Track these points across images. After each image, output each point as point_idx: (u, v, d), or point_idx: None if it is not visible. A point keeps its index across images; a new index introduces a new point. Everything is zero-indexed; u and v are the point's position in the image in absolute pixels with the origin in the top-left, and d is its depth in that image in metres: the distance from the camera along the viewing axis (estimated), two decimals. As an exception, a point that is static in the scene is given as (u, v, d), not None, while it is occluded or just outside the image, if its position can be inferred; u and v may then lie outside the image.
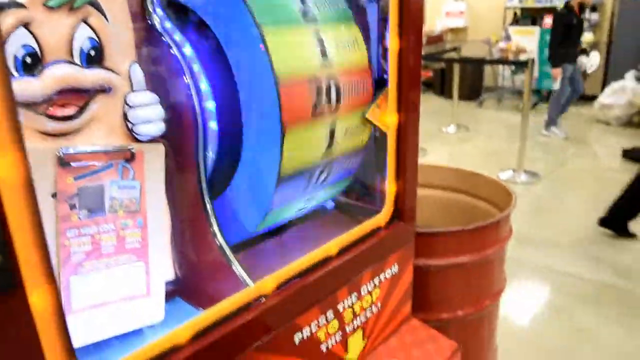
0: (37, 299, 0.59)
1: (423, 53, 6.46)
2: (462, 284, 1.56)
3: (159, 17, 0.92)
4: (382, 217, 1.13)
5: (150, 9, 0.92)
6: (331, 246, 1.01)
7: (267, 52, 0.86)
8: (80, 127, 0.83)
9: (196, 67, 0.92)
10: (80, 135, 0.84)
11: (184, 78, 0.91)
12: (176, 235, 1.01)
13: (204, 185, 0.96)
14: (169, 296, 1.02)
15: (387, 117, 1.06)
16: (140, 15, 0.90)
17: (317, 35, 0.96)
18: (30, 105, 0.76)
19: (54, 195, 0.81)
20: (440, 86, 8.56)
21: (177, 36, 0.93)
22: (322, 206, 1.30)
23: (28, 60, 0.75)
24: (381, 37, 1.07)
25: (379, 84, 1.08)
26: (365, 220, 1.16)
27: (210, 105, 0.94)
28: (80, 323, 0.86)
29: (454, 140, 6.16)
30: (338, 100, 0.99)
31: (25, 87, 0.75)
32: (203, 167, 0.96)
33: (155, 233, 0.94)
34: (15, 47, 0.73)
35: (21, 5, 0.73)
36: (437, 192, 1.95)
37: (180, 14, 0.96)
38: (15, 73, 0.74)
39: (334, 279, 1.00)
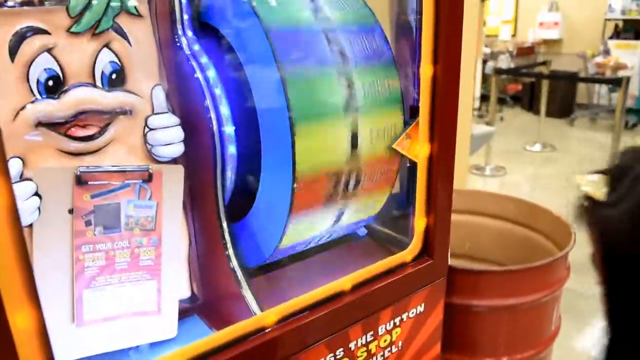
0: (20, 320, 0.61)
1: (512, 65, 6.15)
2: (509, 328, 1.44)
3: (187, 40, 0.94)
4: (407, 253, 1.06)
5: (180, 31, 0.93)
6: (345, 280, 0.96)
7: (284, 94, 0.85)
8: (100, 147, 0.86)
9: (218, 91, 0.92)
10: (101, 154, 0.86)
11: (205, 101, 0.91)
12: (193, 255, 1.02)
13: (221, 207, 0.96)
14: (186, 313, 1.03)
15: (417, 147, 0.99)
16: (169, 37, 0.92)
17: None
18: (52, 125, 0.80)
19: (71, 211, 0.85)
20: (529, 101, 8.09)
21: (204, 59, 0.94)
22: (354, 232, 1.26)
23: (50, 83, 0.78)
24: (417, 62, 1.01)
25: (411, 112, 1.02)
26: (396, 251, 1.10)
27: (230, 129, 0.93)
28: (90, 334, 0.89)
29: (538, 160, 5.78)
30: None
31: (46, 108, 0.78)
32: (221, 190, 0.96)
33: (171, 252, 0.95)
34: (38, 71, 0.77)
35: (45, 32, 0.76)
36: (493, 222, 1.82)
37: (209, 36, 0.97)
38: (37, 95, 0.78)
39: (345, 316, 0.95)
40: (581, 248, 3.02)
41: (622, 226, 0.46)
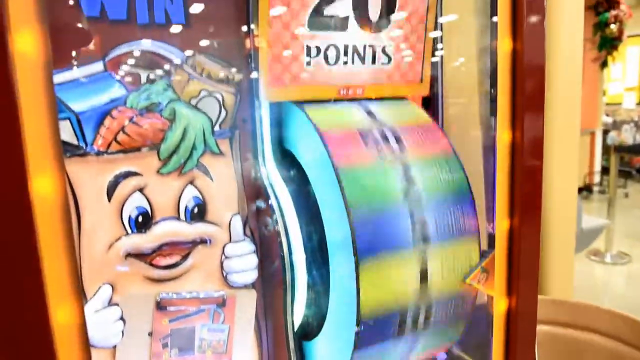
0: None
1: (637, 136, 5.61)
2: None
3: (267, 170, 0.99)
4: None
5: (260, 162, 0.99)
6: None
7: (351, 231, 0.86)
8: (181, 274, 0.92)
9: (291, 220, 0.96)
10: (180, 280, 0.93)
11: (278, 228, 0.95)
12: (266, 375, 1.03)
13: (290, 333, 0.97)
14: None
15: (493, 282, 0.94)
16: (249, 168, 0.98)
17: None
18: (140, 256, 0.88)
19: (150, 334, 0.91)
20: (661, 175, 7.30)
21: (281, 187, 0.98)
22: (433, 358, 1.19)
23: (140, 219, 0.87)
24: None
25: (489, 240, 0.97)
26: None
27: (301, 257, 0.95)
28: None
29: (672, 245, 5.10)
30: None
31: (135, 241, 0.87)
32: (291, 313, 0.97)
33: (241, 374, 0.97)
34: (130, 208, 0.86)
35: (138, 174, 0.86)
36: (604, 340, 1.61)
37: (290, 168, 1.02)
38: (128, 229, 0.87)
39: None
40: None
41: None
